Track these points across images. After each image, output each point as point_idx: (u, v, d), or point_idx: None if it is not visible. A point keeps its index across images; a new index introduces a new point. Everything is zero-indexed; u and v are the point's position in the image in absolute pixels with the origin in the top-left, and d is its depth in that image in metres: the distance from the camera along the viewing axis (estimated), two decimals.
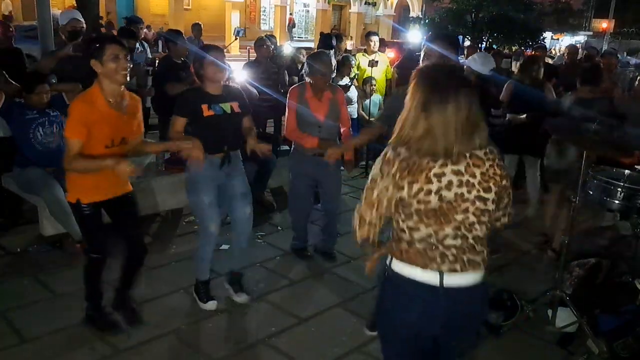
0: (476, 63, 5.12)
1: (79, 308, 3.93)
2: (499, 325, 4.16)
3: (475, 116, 2.19)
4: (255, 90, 6.40)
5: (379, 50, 9.01)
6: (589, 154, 4.13)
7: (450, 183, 2.17)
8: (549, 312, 4.30)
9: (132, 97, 3.73)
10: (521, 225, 6.26)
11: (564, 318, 4.20)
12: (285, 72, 7.44)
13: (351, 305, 4.43)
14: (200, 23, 12.15)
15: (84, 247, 4.84)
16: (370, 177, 2.30)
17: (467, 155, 2.19)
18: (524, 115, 5.87)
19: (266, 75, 7.07)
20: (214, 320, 4.18)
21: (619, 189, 4.34)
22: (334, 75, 7.61)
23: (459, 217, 2.20)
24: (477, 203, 2.21)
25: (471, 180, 2.19)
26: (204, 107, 4.00)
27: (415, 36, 11.00)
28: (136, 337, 3.83)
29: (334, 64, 4.98)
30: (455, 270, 2.23)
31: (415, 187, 2.17)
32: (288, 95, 5.00)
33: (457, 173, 2.17)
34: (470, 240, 2.25)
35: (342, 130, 5.11)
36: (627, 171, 4.56)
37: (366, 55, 8.76)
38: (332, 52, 8.23)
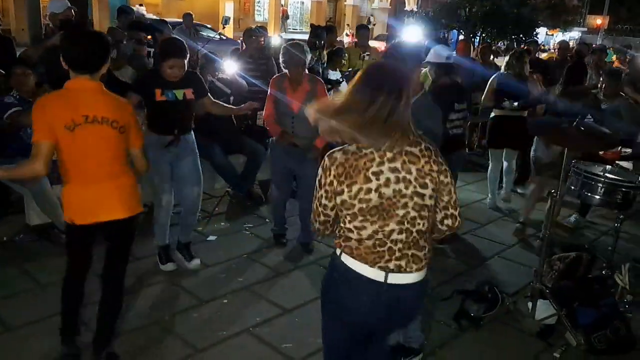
0: (431, 56, 5.15)
1: None
2: (480, 317, 4.21)
3: (396, 117, 2.24)
4: (244, 82, 6.42)
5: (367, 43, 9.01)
6: (570, 151, 4.18)
7: (388, 180, 2.28)
8: (529, 304, 4.35)
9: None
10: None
11: (544, 311, 4.25)
12: (274, 64, 7.42)
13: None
14: (191, 13, 12.12)
15: None
16: (315, 186, 2.44)
17: (403, 152, 2.28)
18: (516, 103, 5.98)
19: (255, 67, 7.07)
20: (199, 310, 4.21)
21: (600, 184, 4.40)
22: (324, 66, 7.69)
23: (400, 212, 2.31)
24: (415, 198, 2.31)
25: (407, 176, 2.29)
26: (158, 91, 4.28)
27: (412, 33, 10.57)
28: (120, 327, 3.84)
29: (324, 57, 5.02)
30: (400, 267, 2.37)
31: (355, 187, 2.28)
32: (270, 83, 5.08)
33: (394, 170, 2.28)
34: (415, 234, 2.36)
35: None
36: (608, 167, 4.61)
37: (359, 48, 8.77)
38: (322, 44, 8.25)
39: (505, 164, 6.69)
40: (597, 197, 4.42)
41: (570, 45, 16.55)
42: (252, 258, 5.14)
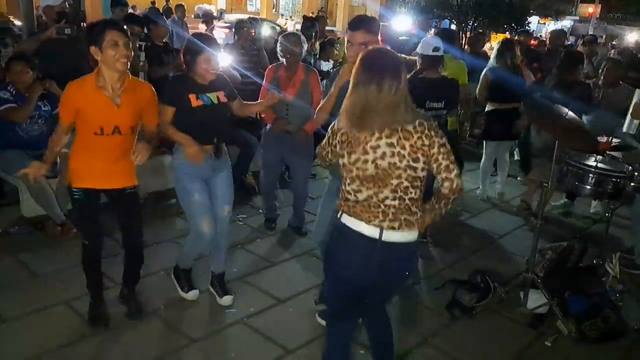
0: (420, 47, 5.10)
1: (59, 289, 3.98)
2: (472, 306, 4.25)
3: (393, 98, 2.52)
4: (238, 74, 6.40)
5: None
6: (561, 141, 4.21)
7: (384, 154, 2.57)
8: (521, 294, 4.40)
9: (140, 86, 3.59)
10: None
11: (536, 300, 4.30)
12: (265, 54, 7.40)
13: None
14: (183, 4, 12.06)
15: (65, 231, 4.89)
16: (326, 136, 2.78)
17: (399, 129, 2.55)
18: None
19: (247, 58, 7.06)
20: (194, 301, 4.23)
21: (591, 175, 4.43)
22: (316, 57, 7.68)
23: (394, 181, 2.60)
24: (408, 171, 2.58)
25: (402, 151, 2.56)
26: (192, 97, 3.78)
27: (402, 23, 10.52)
28: (115, 318, 3.88)
29: (316, 48, 5.06)
30: (393, 228, 2.63)
31: (354, 156, 2.61)
32: (265, 74, 5.22)
33: (390, 145, 2.56)
34: (407, 202, 2.64)
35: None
36: (598, 157, 4.65)
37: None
38: (314, 35, 8.24)
39: (499, 156, 6.70)
40: (588, 187, 4.46)
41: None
42: (245, 248, 5.16)
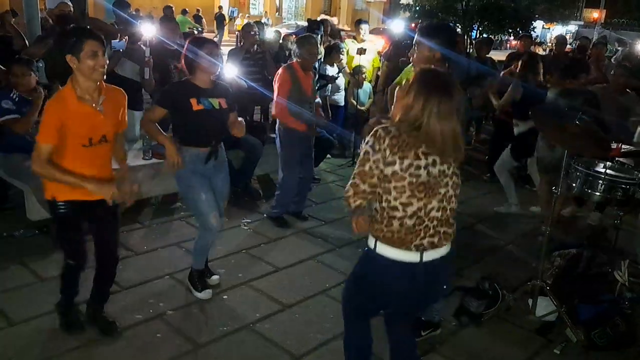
0: None
1: None
2: (480, 314, 4.22)
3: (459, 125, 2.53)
4: (244, 82, 6.40)
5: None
6: (569, 150, 4.19)
7: (435, 161, 2.53)
8: (530, 301, 4.37)
9: (114, 92, 3.49)
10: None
11: (544, 307, 4.27)
12: (270, 57, 7.39)
13: (335, 292, 4.46)
14: (171, 5, 11.99)
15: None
16: (362, 152, 2.57)
17: None
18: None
19: (253, 62, 7.05)
20: (199, 306, 4.21)
21: (600, 181, 4.40)
22: (321, 61, 7.68)
23: (442, 190, 2.58)
24: (454, 178, 2.61)
25: (449, 158, 2.57)
26: (193, 101, 3.92)
27: (397, 26, 10.65)
28: (122, 322, 3.86)
29: (321, 52, 5.20)
30: (433, 244, 2.60)
31: (406, 162, 2.49)
32: (278, 77, 5.39)
33: None
34: (448, 212, 2.63)
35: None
36: (608, 163, 4.62)
37: (355, 42, 8.74)
38: (320, 38, 8.22)
39: (532, 171, 6.53)
40: (598, 193, 4.43)
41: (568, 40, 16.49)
42: (250, 254, 5.13)
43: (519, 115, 6.25)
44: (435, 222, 2.58)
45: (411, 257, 2.59)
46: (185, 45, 3.99)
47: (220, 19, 26.63)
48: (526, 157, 6.49)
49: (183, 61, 4.01)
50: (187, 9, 11.68)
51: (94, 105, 3.29)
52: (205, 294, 4.32)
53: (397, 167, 2.49)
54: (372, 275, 2.72)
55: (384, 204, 2.57)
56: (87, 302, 3.84)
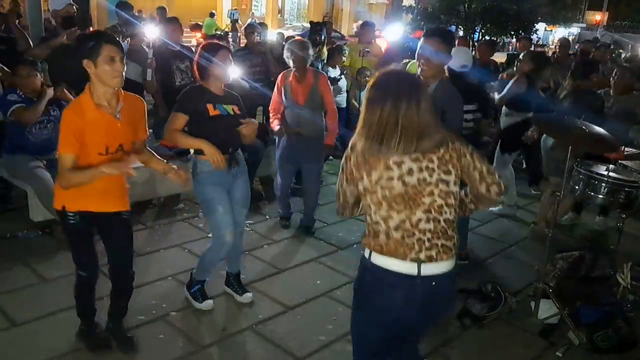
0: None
1: (68, 293, 3.95)
2: (483, 316, 4.22)
3: (419, 119, 2.34)
4: (247, 84, 6.41)
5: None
6: (574, 149, 4.19)
7: (410, 170, 2.34)
8: (532, 303, 4.37)
9: (133, 99, 3.39)
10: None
11: (547, 310, 4.27)
12: (272, 58, 7.40)
13: (337, 294, 4.48)
14: (165, 7, 12.01)
15: None
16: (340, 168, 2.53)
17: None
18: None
19: (255, 63, 7.07)
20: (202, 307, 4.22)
21: (603, 184, 4.40)
22: (323, 63, 7.68)
23: (427, 200, 2.37)
24: (440, 185, 2.38)
25: (430, 165, 2.36)
26: (210, 106, 3.85)
27: (394, 31, 10.19)
28: (125, 323, 3.84)
29: (324, 53, 5.15)
30: (431, 257, 2.39)
31: (375, 174, 2.35)
32: (278, 78, 5.42)
33: (415, 160, 2.35)
34: (442, 224, 2.41)
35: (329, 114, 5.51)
36: (611, 166, 4.63)
37: (361, 44, 8.74)
38: (322, 40, 8.22)
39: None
40: (601, 196, 4.44)
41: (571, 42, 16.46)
42: (252, 255, 5.14)
43: (514, 106, 6.24)
44: (429, 235, 2.38)
45: (407, 268, 2.40)
46: (198, 51, 3.93)
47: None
48: (515, 151, 6.49)
49: (195, 67, 3.94)
50: (214, 12, 11.61)
51: (111, 112, 3.19)
52: (206, 305, 4.21)
53: (365, 182, 2.38)
54: (368, 285, 2.54)
55: (368, 219, 2.47)
56: (107, 317, 3.72)
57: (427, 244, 2.38)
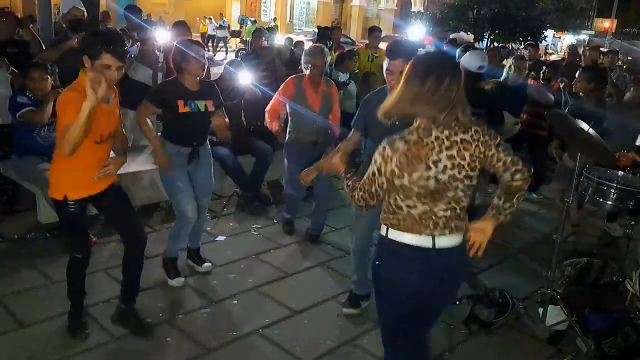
0: (465, 59, 5.13)
1: None
2: (490, 322, 4.20)
3: (454, 95, 2.42)
4: (258, 91, 6.43)
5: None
6: (584, 154, 4.18)
7: (445, 168, 2.47)
8: (540, 310, 4.35)
9: (115, 90, 3.54)
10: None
11: (555, 316, 4.25)
12: (281, 62, 7.44)
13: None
14: (162, 17, 12.07)
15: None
16: (370, 171, 2.57)
17: (459, 140, 2.47)
18: None
19: (264, 67, 7.10)
20: (209, 311, 4.22)
21: (612, 190, 4.39)
22: (332, 68, 7.70)
23: (451, 194, 2.53)
24: (466, 182, 2.53)
25: (462, 162, 2.49)
26: (180, 103, 4.11)
27: (418, 33, 10.41)
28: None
29: (332, 58, 5.13)
30: (444, 234, 2.58)
31: (416, 175, 2.46)
32: (285, 83, 5.34)
33: (450, 158, 2.47)
34: (458, 211, 2.60)
35: (332, 122, 5.45)
36: (620, 172, 4.61)
37: (369, 50, 8.77)
38: (331, 45, 8.26)
39: None
40: (610, 203, 4.42)
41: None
42: (260, 259, 5.14)
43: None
44: (444, 220, 2.55)
45: (423, 241, 2.56)
46: (173, 47, 4.19)
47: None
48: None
49: (171, 62, 4.18)
50: (255, 19, 11.67)
51: (105, 100, 3.27)
52: (176, 282, 4.48)
53: (405, 181, 2.48)
54: (388, 262, 2.68)
55: (391, 201, 2.60)
56: (120, 299, 3.93)
57: (441, 225, 2.56)
